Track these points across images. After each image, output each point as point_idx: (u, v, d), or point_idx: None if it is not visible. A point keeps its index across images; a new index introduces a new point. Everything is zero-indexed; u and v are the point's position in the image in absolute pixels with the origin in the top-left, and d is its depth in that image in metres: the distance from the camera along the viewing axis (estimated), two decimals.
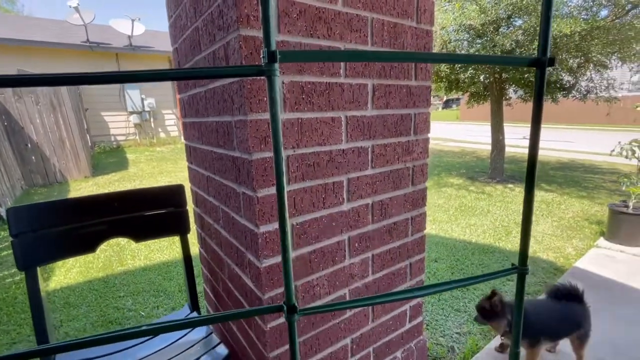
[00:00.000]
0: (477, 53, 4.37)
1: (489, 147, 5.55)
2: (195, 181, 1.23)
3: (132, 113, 8.46)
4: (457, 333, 1.83)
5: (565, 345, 1.56)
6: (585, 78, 4.68)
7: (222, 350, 0.98)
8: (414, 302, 1.22)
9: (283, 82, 0.77)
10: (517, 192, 4.65)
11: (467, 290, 2.25)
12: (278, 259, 0.83)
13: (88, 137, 6.96)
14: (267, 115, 0.76)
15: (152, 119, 8.82)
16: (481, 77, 5.09)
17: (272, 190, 0.80)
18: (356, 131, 0.92)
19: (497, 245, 2.97)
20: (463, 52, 4.71)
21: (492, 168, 5.37)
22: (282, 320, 0.87)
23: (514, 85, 4.97)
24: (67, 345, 0.41)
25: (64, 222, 1.01)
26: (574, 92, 4.64)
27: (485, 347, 1.66)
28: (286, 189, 0.82)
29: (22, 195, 5.10)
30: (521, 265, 0.50)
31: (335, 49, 0.82)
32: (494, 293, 1.40)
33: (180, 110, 1.25)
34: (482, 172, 5.92)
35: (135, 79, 0.37)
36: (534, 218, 3.61)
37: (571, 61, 4.33)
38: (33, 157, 5.50)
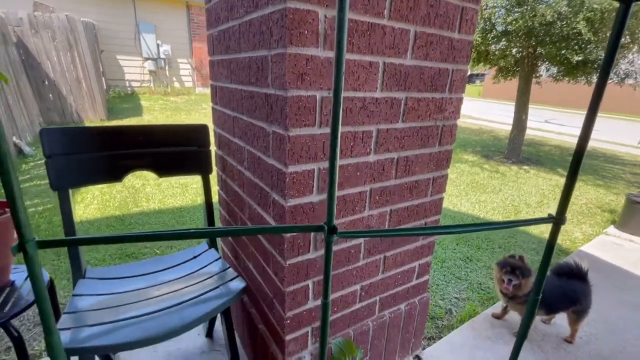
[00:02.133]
0: (514, 22, 4.08)
1: (509, 128, 5.36)
2: (219, 122, 1.23)
3: (147, 59, 8.30)
4: (455, 298, 1.90)
5: (560, 318, 1.62)
6: (627, 60, 4.37)
7: (239, 283, 1.03)
8: (423, 260, 1.25)
9: (325, 16, 0.73)
10: (532, 174, 4.57)
11: (470, 261, 2.30)
12: (303, 199, 0.85)
13: (103, 80, 6.90)
14: (306, 51, 0.73)
15: (167, 67, 8.66)
16: (513, 51, 4.79)
17: (304, 130, 0.79)
18: (392, 80, 0.89)
19: None
20: (499, 20, 4.40)
21: (510, 148, 5.24)
22: (299, 258, 0.91)
23: (547, 62, 4.68)
24: (111, 237, 0.44)
25: (93, 149, 1.03)
26: (612, 74, 4.35)
27: (483, 313, 1.73)
28: (326, 129, 0.81)
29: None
30: (558, 215, 0.50)
31: None
32: (520, 256, 1.46)
33: (208, 48, 1.22)
34: (498, 151, 5.79)
35: None
36: (545, 201, 3.58)
37: None
38: (50, 95, 5.52)
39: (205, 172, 1.23)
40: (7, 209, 0.87)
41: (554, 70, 4.77)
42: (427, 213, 1.16)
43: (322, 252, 0.94)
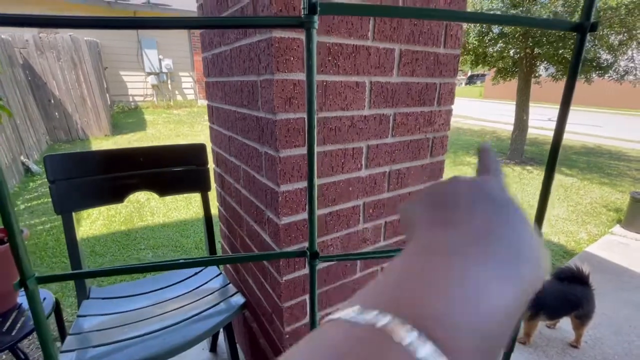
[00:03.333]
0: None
1: (511, 128, 5.34)
2: (216, 141, 1.27)
3: (149, 74, 8.46)
4: None
5: (566, 323, 1.61)
6: (626, 57, 4.36)
7: (239, 299, 1.06)
8: None
9: None
10: (535, 175, 4.55)
11: None
12: (296, 217, 0.87)
13: (107, 96, 7.05)
14: (293, 76, 0.76)
15: (169, 81, 8.82)
16: (511, 52, 4.81)
17: (294, 151, 0.82)
18: (379, 98, 0.92)
19: None
20: None
21: (512, 149, 5.22)
22: (296, 274, 0.93)
23: (545, 62, 4.69)
24: (114, 270, 0.46)
25: (95, 173, 1.07)
26: (611, 71, 4.35)
27: None
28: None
29: (47, 150, 5.32)
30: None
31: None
32: None
33: (203, 69, 1.26)
34: (500, 152, 5.77)
35: (170, 24, 0.38)
36: (549, 202, 3.56)
37: (612, 37, 4.02)
38: (56, 113, 5.65)
39: (204, 190, 1.26)
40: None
41: (553, 69, 4.77)
42: None
43: (319, 266, 0.96)
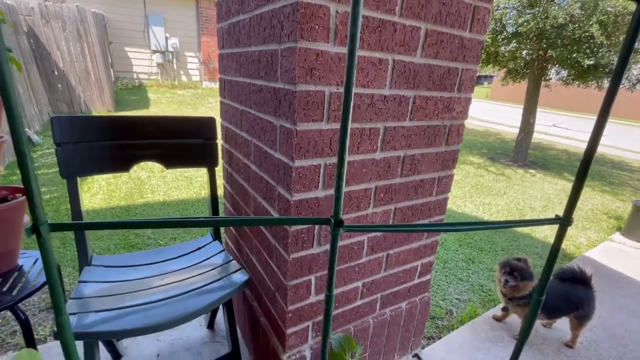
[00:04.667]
0: (525, 23, 4.03)
1: (515, 130, 5.31)
2: (227, 116, 1.24)
3: (155, 52, 8.33)
4: (457, 299, 1.90)
5: (563, 323, 1.61)
6: (639, 66, 4.31)
7: (242, 275, 1.04)
8: (425, 259, 1.25)
9: (337, 12, 0.73)
10: (538, 178, 4.53)
11: (473, 263, 2.29)
12: (308, 194, 0.85)
13: (112, 72, 6.94)
14: (316, 46, 0.73)
15: (174, 60, 8.69)
16: (523, 53, 4.74)
17: (312, 125, 0.79)
18: (401, 78, 0.89)
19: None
20: (510, 22, 4.35)
21: (516, 151, 5.20)
22: (303, 253, 0.91)
23: (557, 66, 4.62)
24: (122, 223, 0.44)
25: (103, 138, 1.04)
26: (623, 79, 4.29)
27: (483, 314, 1.72)
28: (327, 125, 0.81)
29: (48, 121, 5.25)
30: (565, 216, 0.50)
31: None
32: (524, 258, 1.45)
33: (218, 41, 1.22)
34: (504, 154, 5.74)
35: None
36: (550, 205, 3.56)
37: None
38: (59, 85, 5.56)
39: (211, 165, 1.24)
40: (17, 195, 0.88)
41: (564, 73, 4.72)
42: (432, 212, 1.16)
43: (325, 247, 0.95)
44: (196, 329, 1.41)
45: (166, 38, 8.34)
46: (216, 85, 9.38)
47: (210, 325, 1.41)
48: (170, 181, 3.40)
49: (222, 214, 1.49)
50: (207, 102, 7.74)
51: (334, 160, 0.86)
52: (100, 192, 3.03)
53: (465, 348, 1.47)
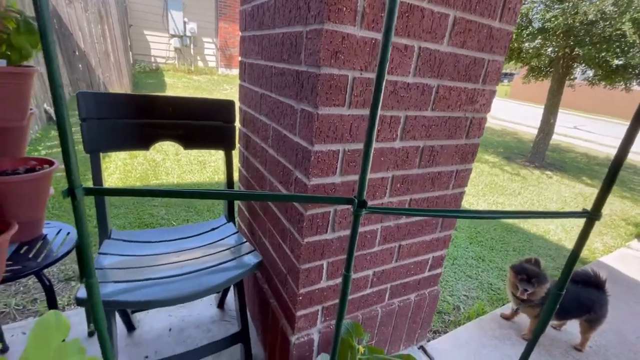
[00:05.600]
0: (553, 19, 3.88)
1: (533, 131, 5.16)
2: (245, 100, 1.24)
3: (173, 36, 8.37)
4: (464, 295, 1.89)
5: (571, 325, 1.59)
6: None
7: (255, 257, 1.06)
8: (437, 252, 1.24)
9: None
10: (554, 181, 4.42)
11: (482, 261, 2.27)
12: (325, 180, 0.85)
13: (130, 54, 7.03)
14: (343, 28, 0.72)
15: (192, 45, 8.73)
16: (548, 50, 4.58)
17: (333, 110, 0.79)
18: (426, 66, 0.87)
19: (521, 227, 2.91)
20: (537, 16, 4.19)
21: (534, 152, 5.07)
22: (316, 238, 0.92)
23: (584, 65, 4.45)
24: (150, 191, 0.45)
25: (126, 116, 1.06)
26: None
27: (491, 312, 1.71)
28: (349, 110, 0.81)
29: (69, 100, 5.38)
30: (594, 211, 0.49)
31: None
32: (536, 260, 1.43)
33: (240, 23, 1.22)
34: (520, 154, 5.61)
35: None
36: (566, 208, 3.47)
37: None
38: (80, 65, 5.66)
39: (228, 148, 1.25)
40: (44, 166, 0.91)
41: (591, 73, 4.54)
42: (447, 206, 1.15)
43: (340, 233, 0.95)
44: (206, 307, 1.45)
45: (184, 23, 8.36)
46: (232, 72, 9.39)
47: (220, 304, 1.45)
48: (184, 164, 3.45)
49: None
50: (222, 88, 7.77)
51: (353, 146, 0.86)
52: (116, 171, 3.10)
53: (471, 344, 1.47)
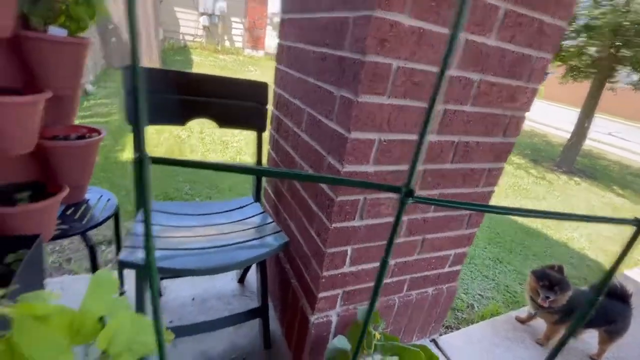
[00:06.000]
0: (601, 16, 3.65)
1: (564, 134, 4.93)
2: (281, 83, 1.25)
3: (202, 14, 8.40)
4: (479, 295, 1.88)
5: (590, 335, 1.56)
6: None
7: (282, 237, 1.09)
8: (460, 249, 1.24)
9: None
10: (583, 188, 4.25)
11: (500, 263, 2.24)
12: (359, 167, 0.86)
13: (161, 31, 7.12)
14: (392, 16, 0.71)
15: (220, 24, 8.74)
16: (592, 49, 4.32)
17: (374, 98, 0.79)
18: (470, 59, 0.85)
19: (544, 232, 2.84)
20: (584, 12, 3.95)
21: (563, 156, 4.87)
22: (344, 224, 0.94)
23: (630, 68, 4.18)
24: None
25: (168, 91, 1.09)
26: None
27: (506, 314, 1.70)
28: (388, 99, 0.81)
29: (101, 73, 5.54)
30: None
31: None
32: (560, 266, 1.40)
33: (281, 5, 1.21)
34: (548, 157, 5.40)
35: None
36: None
37: None
38: (113, 39, 5.80)
39: (260, 129, 1.27)
40: (92, 134, 0.96)
41: (636, 77, 4.27)
42: (476, 201, 1.14)
43: (367, 221, 0.97)
44: (227, 282, 1.51)
45: (214, 1, 8.36)
46: (258, 54, 9.38)
47: (241, 280, 1.51)
48: (207, 143, 3.53)
49: (264, 179, 1.54)
50: (247, 69, 7.79)
51: (390, 136, 0.86)
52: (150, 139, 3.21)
53: (483, 342, 1.47)
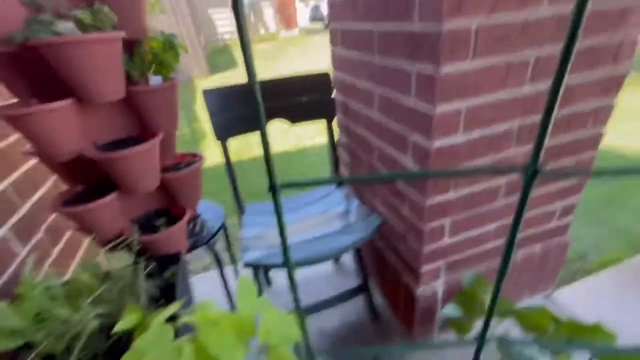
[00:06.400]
0: None
1: None
2: (341, 66, 1.24)
3: None
4: (593, 242, 1.71)
5: None
6: None
7: (376, 219, 1.13)
8: (567, 201, 1.13)
9: None
10: None
11: (612, 203, 1.98)
12: (448, 140, 0.83)
13: (202, 36, 7.46)
14: None
15: (251, 13, 8.79)
16: None
17: (455, 66, 0.74)
18: None
19: None
20: None
21: None
22: (438, 198, 0.93)
23: None
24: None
25: (243, 105, 1.18)
26: None
27: (629, 260, 1.52)
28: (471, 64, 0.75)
29: None
30: None
31: None
32: None
33: None
34: None
35: None
36: None
37: None
38: None
39: (330, 117, 1.29)
40: (195, 159, 1.10)
41: None
42: (582, 149, 1.02)
43: (461, 192, 0.94)
44: (325, 264, 1.62)
45: None
46: (292, 33, 9.26)
47: (336, 261, 1.61)
48: (270, 138, 3.69)
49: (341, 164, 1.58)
50: (287, 52, 7.77)
51: (476, 101, 0.80)
52: (217, 151, 3.51)
53: (605, 294, 1.35)
